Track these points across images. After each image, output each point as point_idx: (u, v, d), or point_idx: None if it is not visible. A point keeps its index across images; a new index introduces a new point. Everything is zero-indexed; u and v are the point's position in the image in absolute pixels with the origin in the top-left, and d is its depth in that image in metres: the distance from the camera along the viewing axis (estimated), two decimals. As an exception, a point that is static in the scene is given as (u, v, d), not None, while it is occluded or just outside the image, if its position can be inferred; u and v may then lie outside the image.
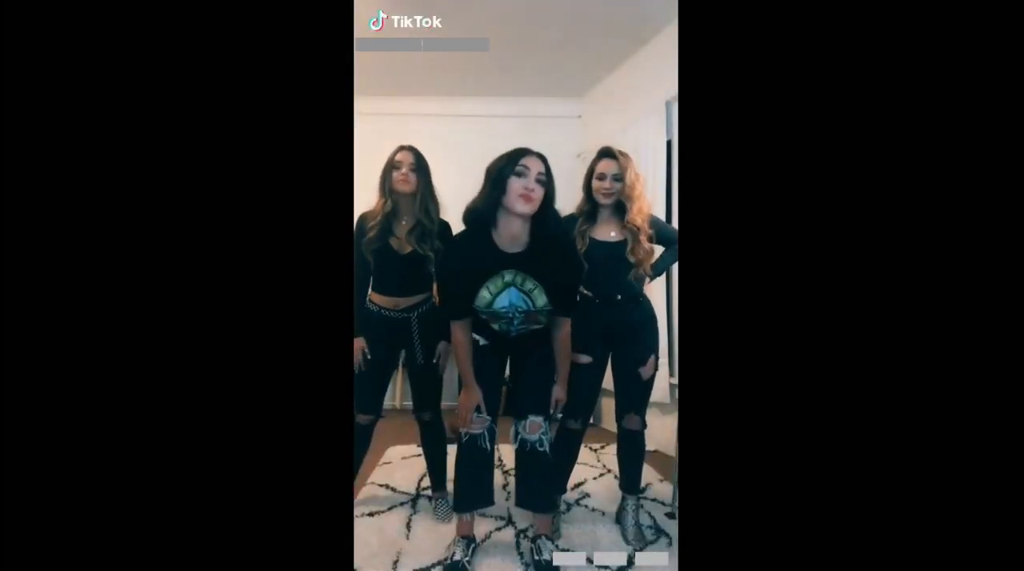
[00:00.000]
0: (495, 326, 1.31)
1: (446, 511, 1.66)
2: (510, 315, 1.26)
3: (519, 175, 1.16)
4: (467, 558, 1.32)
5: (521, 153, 1.19)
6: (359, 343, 1.56)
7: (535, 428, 1.34)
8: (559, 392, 1.40)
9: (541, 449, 1.35)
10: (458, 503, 1.39)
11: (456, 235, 1.31)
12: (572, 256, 1.30)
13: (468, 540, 1.37)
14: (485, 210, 1.20)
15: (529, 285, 1.25)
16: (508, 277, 1.24)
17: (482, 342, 1.37)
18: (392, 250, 1.55)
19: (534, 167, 1.17)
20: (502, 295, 1.25)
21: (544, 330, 1.35)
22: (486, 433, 1.35)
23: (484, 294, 1.25)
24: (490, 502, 1.39)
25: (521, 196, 1.16)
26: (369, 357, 1.56)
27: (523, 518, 1.64)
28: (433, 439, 1.70)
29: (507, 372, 1.51)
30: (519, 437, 1.37)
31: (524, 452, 1.36)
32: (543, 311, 1.27)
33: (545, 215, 1.21)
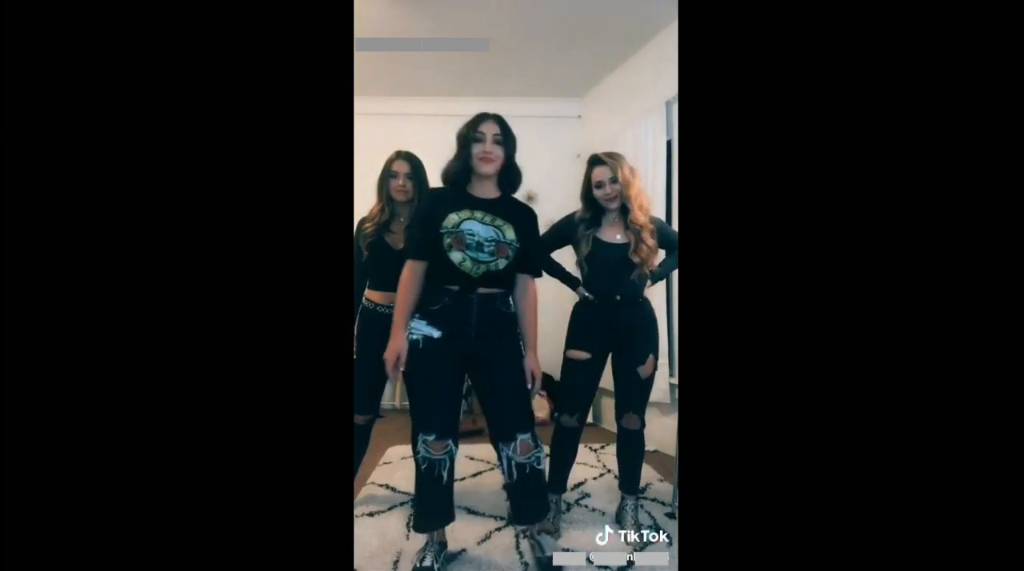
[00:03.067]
0: (459, 258, 1.24)
1: None
2: (478, 240, 1.26)
3: (478, 141, 1.28)
4: (438, 565, 1.31)
5: (479, 120, 1.30)
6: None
7: (526, 448, 1.28)
8: (531, 362, 1.32)
9: (539, 467, 1.31)
10: (418, 523, 1.34)
11: (433, 188, 1.38)
12: (533, 219, 1.38)
13: (440, 546, 1.36)
14: (458, 170, 1.31)
15: (499, 221, 1.29)
16: (479, 214, 1.29)
17: (436, 335, 1.26)
18: (388, 245, 1.56)
19: (489, 131, 1.28)
20: (470, 221, 1.27)
21: (505, 313, 1.31)
22: (445, 459, 1.26)
23: (452, 217, 1.27)
24: (450, 519, 1.35)
25: (481, 159, 1.28)
26: (355, 356, 1.55)
27: (523, 518, 1.64)
28: None
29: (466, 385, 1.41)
30: (511, 462, 1.28)
31: (521, 474, 1.29)
32: (512, 245, 1.28)
33: (508, 171, 1.32)
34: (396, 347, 1.27)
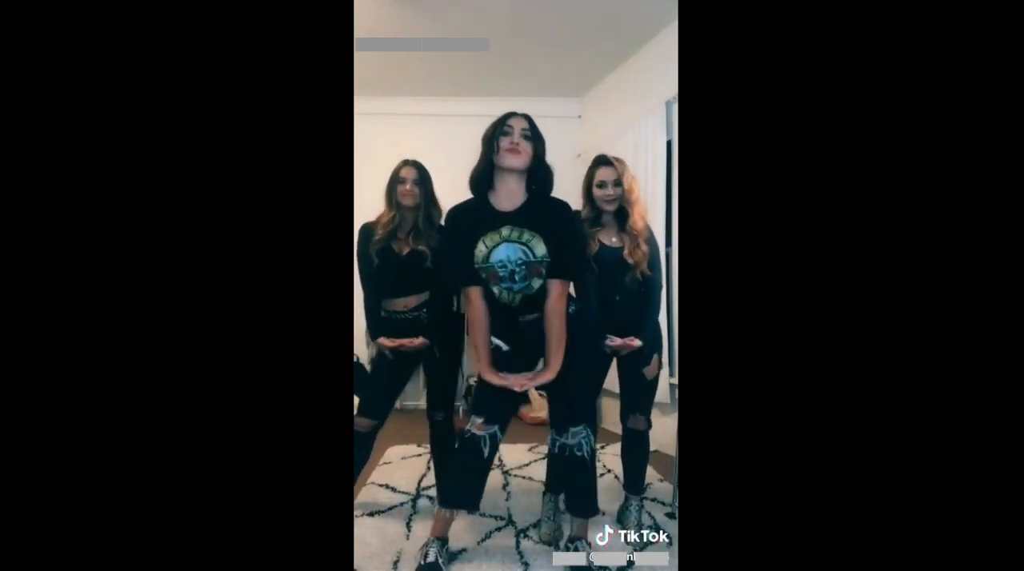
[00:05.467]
0: (496, 291, 1.29)
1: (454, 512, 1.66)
2: (509, 269, 1.27)
3: (505, 134, 1.26)
4: (441, 559, 1.31)
5: (507, 116, 1.29)
6: (387, 341, 1.55)
7: (576, 436, 1.35)
8: (540, 378, 1.29)
9: (579, 454, 1.35)
10: (444, 498, 1.38)
11: (455, 205, 1.36)
12: (567, 216, 1.34)
13: (442, 541, 1.36)
14: (482, 172, 1.30)
15: (527, 236, 1.27)
16: (505, 232, 1.27)
17: (504, 348, 1.35)
18: (393, 252, 1.57)
19: (518, 125, 1.27)
20: (498, 248, 1.27)
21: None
22: (487, 438, 1.33)
23: (480, 248, 1.28)
24: (475, 507, 1.37)
25: (508, 150, 1.25)
26: (390, 356, 1.55)
27: (523, 518, 1.64)
28: (442, 439, 1.70)
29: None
30: (558, 444, 1.35)
31: (566, 457, 1.35)
32: (543, 261, 1.27)
33: (538, 169, 1.29)
34: (492, 380, 1.30)
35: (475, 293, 1.31)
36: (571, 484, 1.39)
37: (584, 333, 1.36)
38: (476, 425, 1.33)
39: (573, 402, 1.36)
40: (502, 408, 1.37)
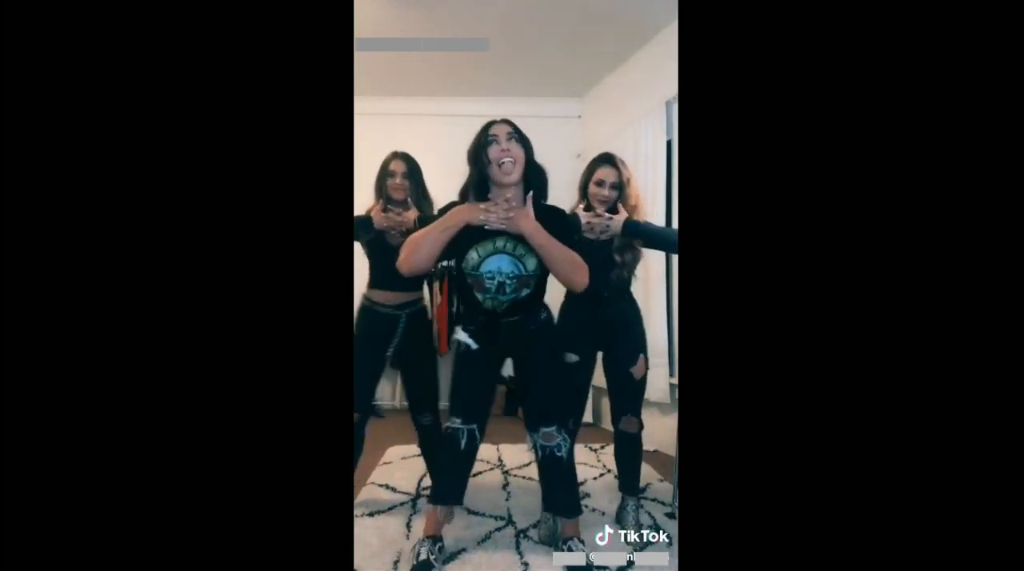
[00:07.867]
0: (480, 297, 1.29)
1: (447, 511, 1.66)
2: (498, 281, 1.27)
3: (492, 143, 1.25)
4: (434, 557, 1.31)
5: (487, 126, 1.28)
6: (380, 217, 1.55)
7: (550, 437, 1.36)
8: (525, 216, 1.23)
9: (559, 454, 1.36)
10: (432, 494, 1.41)
11: (453, 202, 1.33)
12: (564, 223, 1.32)
13: (434, 539, 1.36)
14: (476, 185, 1.28)
15: (520, 250, 1.27)
16: (499, 243, 1.27)
17: (474, 346, 1.36)
18: (387, 243, 1.57)
19: (502, 131, 1.26)
20: (491, 258, 1.27)
21: (533, 310, 1.36)
22: (464, 431, 1.36)
23: (472, 255, 1.27)
24: (458, 502, 1.42)
25: (501, 167, 1.23)
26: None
27: (523, 518, 1.64)
28: (433, 443, 1.70)
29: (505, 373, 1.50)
30: (536, 444, 1.38)
31: (544, 457, 1.37)
32: (534, 275, 1.29)
33: (530, 172, 1.27)
34: (475, 214, 1.24)
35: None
36: (551, 484, 1.40)
37: (547, 338, 1.39)
38: (456, 426, 1.37)
39: (542, 401, 1.37)
40: (478, 407, 1.40)
